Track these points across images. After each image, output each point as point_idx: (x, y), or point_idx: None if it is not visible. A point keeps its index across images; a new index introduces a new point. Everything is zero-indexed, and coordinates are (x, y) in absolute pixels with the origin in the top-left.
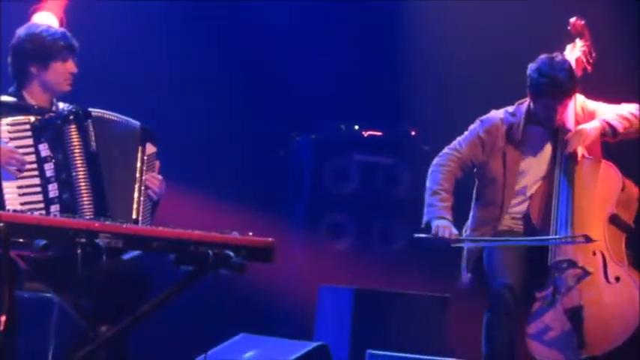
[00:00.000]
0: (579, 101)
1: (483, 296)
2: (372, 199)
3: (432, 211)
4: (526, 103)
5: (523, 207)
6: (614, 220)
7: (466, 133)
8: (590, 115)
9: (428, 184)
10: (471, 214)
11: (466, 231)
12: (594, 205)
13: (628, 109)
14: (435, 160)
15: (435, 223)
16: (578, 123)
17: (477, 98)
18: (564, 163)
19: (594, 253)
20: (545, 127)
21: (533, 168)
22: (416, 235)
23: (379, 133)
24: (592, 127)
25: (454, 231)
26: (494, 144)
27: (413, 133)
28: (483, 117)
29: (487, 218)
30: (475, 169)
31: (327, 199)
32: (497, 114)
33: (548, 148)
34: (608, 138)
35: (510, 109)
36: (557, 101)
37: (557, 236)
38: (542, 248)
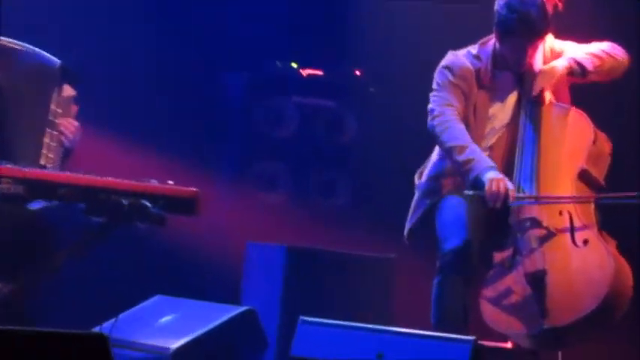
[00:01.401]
0: (548, 42)
1: (435, 256)
2: (311, 146)
3: (479, 162)
4: (490, 42)
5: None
6: (583, 176)
7: (436, 87)
8: (558, 57)
9: (449, 142)
10: (431, 162)
11: (420, 178)
12: (562, 158)
13: (599, 46)
14: (437, 120)
15: (487, 177)
16: None
17: (427, 37)
18: (529, 110)
19: (561, 213)
20: (512, 71)
21: (499, 116)
22: (467, 192)
23: (320, 73)
24: (558, 64)
25: (510, 185)
26: (470, 91)
27: (358, 73)
28: (446, 62)
29: (450, 167)
30: None
31: (260, 145)
32: (460, 58)
33: (513, 95)
34: (576, 79)
35: (473, 50)
36: (528, 41)
37: None
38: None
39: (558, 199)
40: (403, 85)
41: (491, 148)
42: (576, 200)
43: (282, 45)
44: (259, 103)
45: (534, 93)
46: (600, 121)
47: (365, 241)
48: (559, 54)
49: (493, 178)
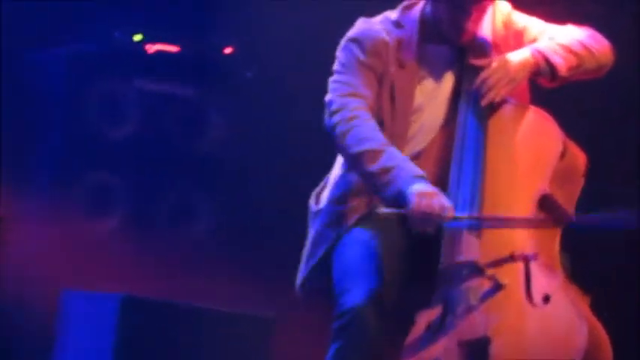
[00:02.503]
0: (501, 11)
1: (331, 314)
2: (160, 150)
3: (401, 171)
4: (417, 6)
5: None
6: (546, 203)
7: (338, 69)
8: (517, 37)
9: (356, 147)
10: (334, 178)
11: (318, 202)
12: (517, 178)
13: (577, 35)
14: (337, 115)
15: (413, 190)
16: (496, 46)
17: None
18: (473, 104)
19: (512, 257)
20: (449, 43)
21: (429, 110)
22: (383, 210)
23: (174, 49)
24: (519, 61)
25: (447, 202)
26: (386, 72)
27: (227, 51)
28: (355, 33)
29: (360, 185)
30: None
31: (87, 149)
32: (374, 26)
33: (449, 80)
34: (543, 80)
35: (392, 15)
36: (473, 1)
37: None
38: (431, 242)
39: (510, 221)
40: (293, 68)
41: (418, 157)
42: (537, 225)
43: (120, 10)
44: (86, 91)
45: (483, 103)
46: (573, 125)
47: (234, 287)
48: (518, 32)
49: (422, 191)
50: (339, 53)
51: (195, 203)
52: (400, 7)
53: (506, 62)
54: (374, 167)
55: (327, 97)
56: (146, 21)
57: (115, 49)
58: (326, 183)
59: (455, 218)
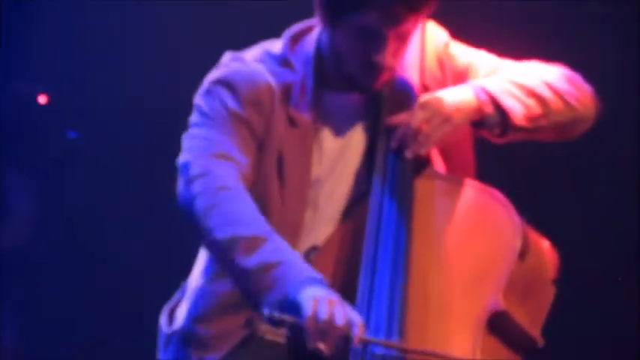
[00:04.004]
0: (435, 42)
1: None
2: None
3: (290, 268)
4: (310, 36)
5: None
6: (500, 324)
7: (198, 122)
8: (458, 79)
9: (226, 230)
10: (195, 287)
11: (171, 323)
12: (454, 287)
13: (544, 75)
14: (198, 184)
15: (307, 294)
16: (426, 90)
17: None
18: (392, 179)
19: None
20: (357, 89)
21: (332, 186)
22: (275, 315)
23: None
24: (456, 100)
25: (356, 316)
26: (270, 129)
27: (42, 100)
28: (223, 74)
29: (234, 297)
30: None
31: None
32: (249, 64)
33: (358, 142)
34: (489, 132)
35: (274, 48)
36: (390, 21)
37: None
38: None
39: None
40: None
41: (316, 254)
42: None
43: None
44: None
45: (409, 155)
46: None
47: None
48: (460, 72)
49: (321, 297)
50: (200, 100)
51: None
52: (285, 37)
53: (437, 100)
54: (250, 262)
55: (182, 159)
56: None
57: None
58: (183, 294)
59: (366, 341)
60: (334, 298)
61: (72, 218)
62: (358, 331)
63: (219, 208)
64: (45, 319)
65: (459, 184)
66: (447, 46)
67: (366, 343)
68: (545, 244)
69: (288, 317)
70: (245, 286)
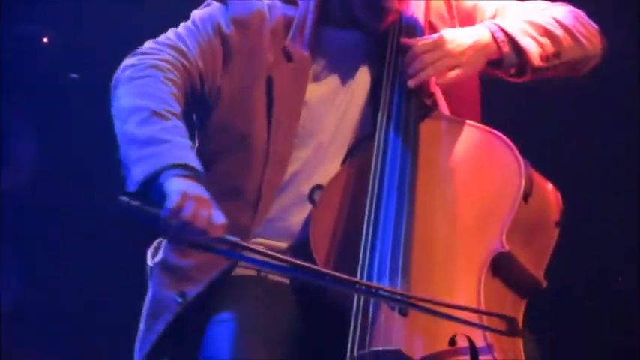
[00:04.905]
0: None
1: None
2: None
3: (174, 152)
4: None
5: (298, 216)
6: (504, 265)
7: (189, 22)
8: (465, 21)
9: (137, 99)
10: None
11: (155, 256)
12: (459, 229)
13: (554, 13)
14: (137, 59)
15: (177, 187)
16: (433, 29)
17: None
18: (397, 120)
19: (454, 341)
20: (362, 29)
21: (328, 125)
22: (125, 199)
23: None
24: (473, 40)
25: (221, 217)
26: (255, 55)
27: (45, 40)
28: None
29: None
30: (197, 109)
31: None
32: None
33: (361, 81)
34: (507, 72)
35: None
36: None
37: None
38: (335, 318)
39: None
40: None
41: (321, 193)
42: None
43: None
44: None
45: (412, 84)
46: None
47: None
48: (466, 14)
49: (190, 193)
50: (194, 11)
51: None
52: None
53: (452, 38)
54: (139, 132)
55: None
56: None
57: None
58: None
59: (225, 241)
60: (204, 196)
61: (73, 157)
62: (216, 231)
63: (140, 80)
64: (47, 260)
65: (464, 126)
66: None
67: (222, 243)
68: (549, 186)
69: (147, 207)
70: (125, 156)
